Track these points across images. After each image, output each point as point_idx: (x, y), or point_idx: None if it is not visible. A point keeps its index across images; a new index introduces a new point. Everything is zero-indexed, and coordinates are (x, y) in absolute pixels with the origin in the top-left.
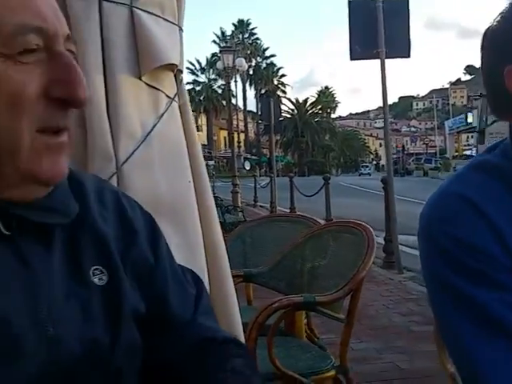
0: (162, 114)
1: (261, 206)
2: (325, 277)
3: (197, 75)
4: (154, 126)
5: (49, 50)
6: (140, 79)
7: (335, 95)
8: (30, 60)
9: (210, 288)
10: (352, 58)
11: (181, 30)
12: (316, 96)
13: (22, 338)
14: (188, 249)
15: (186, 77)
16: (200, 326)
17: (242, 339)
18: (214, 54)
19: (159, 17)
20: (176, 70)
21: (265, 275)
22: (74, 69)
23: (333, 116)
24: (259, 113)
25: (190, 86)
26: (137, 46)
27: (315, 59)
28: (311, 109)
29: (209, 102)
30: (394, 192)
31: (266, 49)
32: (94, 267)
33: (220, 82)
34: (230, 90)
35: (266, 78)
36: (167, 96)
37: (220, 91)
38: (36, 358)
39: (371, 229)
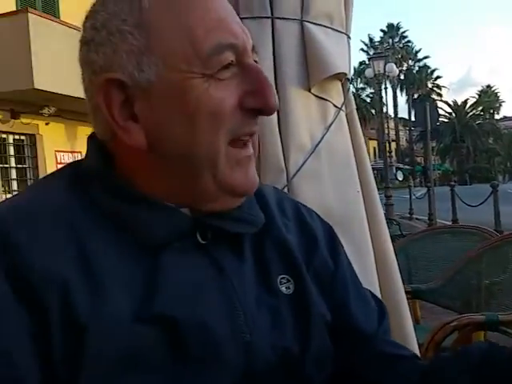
0: (330, 125)
1: (417, 219)
2: (506, 294)
3: None
4: (323, 137)
5: (240, 63)
6: (309, 91)
7: (499, 94)
8: (226, 76)
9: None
10: None
11: (349, 37)
12: (476, 96)
13: (222, 345)
14: (358, 260)
15: None
16: (386, 341)
17: None
18: (361, 63)
19: (328, 27)
20: (344, 79)
21: (435, 292)
22: (264, 78)
23: (497, 117)
24: (412, 119)
25: None
26: (307, 58)
27: (474, 57)
28: (471, 111)
29: (356, 112)
30: None
31: (419, 51)
32: (281, 276)
33: (368, 90)
34: (381, 97)
35: (418, 81)
36: (335, 106)
37: (368, 100)
38: (234, 365)
39: None
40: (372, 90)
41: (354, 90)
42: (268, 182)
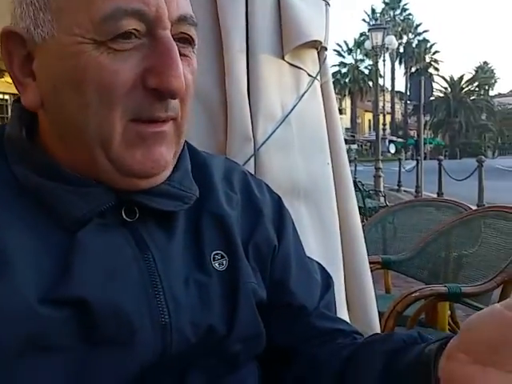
0: (303, 94)
1: (405, 191)
2: (473, 266)
3: (343, 57)
4: (294, 107)
5: (151, 34)
6: (283, 58)
7: (495, 71)
8: (127, 47)
9: (345, 272)
10: None
11: (327, 4)
12: (473, 72)
13: (136, 327)
14: (322, 231)
15: (332, 59)
16: (325, 316)
17: (378, 328)
18: (362, 34)
19: None
20: (320, 48)
21: (405, 263)
22: (169, 57)
23: (491, 93)
24: (408, 93)
25: (335, 69)
26: (281, 24)
27: (474, 33)
28: (467, 86)
29: (354, 83)
30: None
31: (419, 25)
32: (215, 252)
33: (367, 62)
34: (377, 69)
35: (417, 55)
36: (309, 75)
37: (367, 72)
38: (150, 345)
39: None
40: (371, 62)
41: (354, 62)
42: (234, 150)
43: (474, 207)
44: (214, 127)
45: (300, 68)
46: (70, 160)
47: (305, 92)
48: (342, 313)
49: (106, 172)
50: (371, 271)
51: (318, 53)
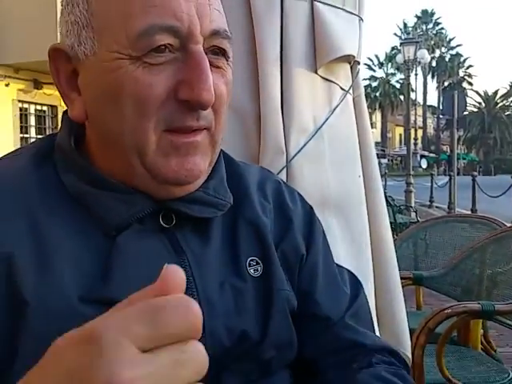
0: (335, 107)
1: (437, 207)
2: (507, 284)
3: (374, 70)
4: (326, 120)
5: (184, 48)
6: (316, 72)
7: None
8: (160, 60)
9: (375, 284)
10: None
11: (361, 19)
12: (508, 87)
13: None
14: (353, 243)
15: (363, 72)
16: (349, 327)
17: (408, 345)
18: (393, 48)
19: (339, 8)
20: (353, 62)
21: (437, 279)
22: (200, 70)
23: None
24: (440, 107)
25: (366, 82)
26: (314, 39)
27: (508, 47)
28: (501, 101)
29: (385, 97)
30: None
31: (452, 39)
32: (251, 258)
33: (398, 76)
34: (409, 83)
35: (450, 69)
36: (342, 88)
37: (398, 86)
38: None
39: None
40: (402, 76)
41: (384, 76)
42: (267, 162)
43: (509, 224)
44: (247, 139)
45: (333, 82)
46: (112, 169)
47: (337, 105)
48: None
49: (142, 179)
50: (402, 287)
51: (351, 67)
